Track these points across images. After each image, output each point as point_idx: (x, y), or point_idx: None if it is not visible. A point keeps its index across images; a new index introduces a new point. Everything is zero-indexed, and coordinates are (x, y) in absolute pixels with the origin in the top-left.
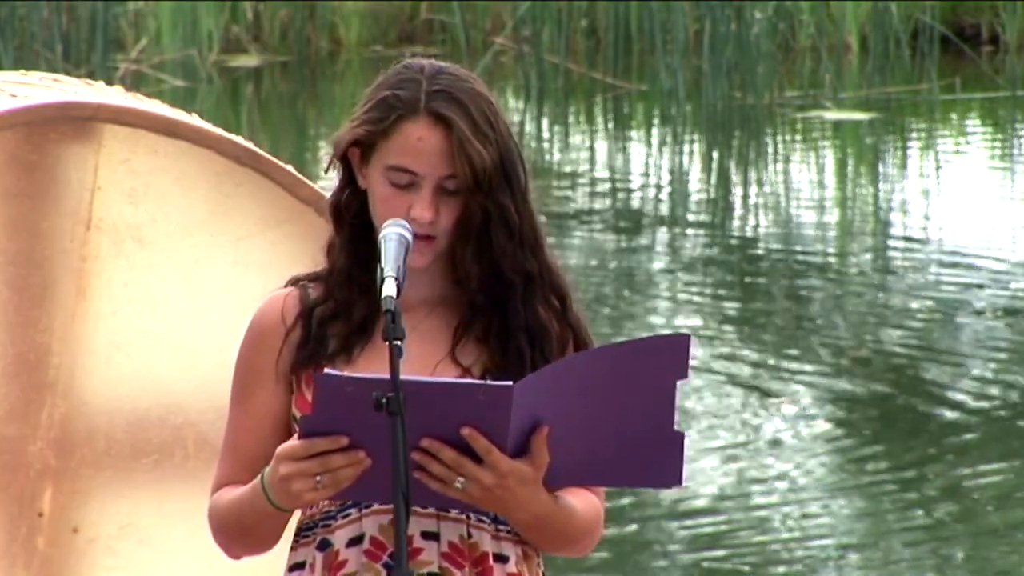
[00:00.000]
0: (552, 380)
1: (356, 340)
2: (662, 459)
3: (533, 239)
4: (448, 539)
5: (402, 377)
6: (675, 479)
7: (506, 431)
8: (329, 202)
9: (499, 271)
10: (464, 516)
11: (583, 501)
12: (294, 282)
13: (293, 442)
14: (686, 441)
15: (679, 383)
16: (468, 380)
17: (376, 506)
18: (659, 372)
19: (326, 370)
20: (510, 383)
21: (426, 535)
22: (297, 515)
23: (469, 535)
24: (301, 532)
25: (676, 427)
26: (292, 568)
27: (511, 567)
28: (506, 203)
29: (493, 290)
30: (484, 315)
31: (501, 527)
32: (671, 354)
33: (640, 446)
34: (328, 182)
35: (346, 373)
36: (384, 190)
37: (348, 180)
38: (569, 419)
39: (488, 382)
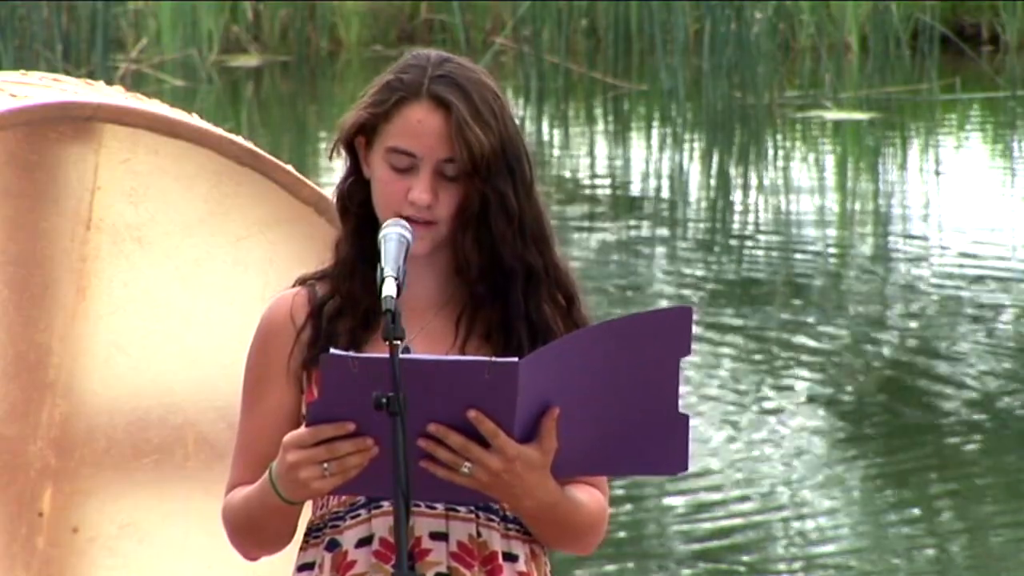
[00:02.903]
0: (556, 357)
1: (363, 337)
2: (667, 442)
3: (538, 233)
4: (457, 539)
5: (406, 356)
6: (680, 464)
7: (512, 413)
8: (335, 191)
9: (500, 260)
10: (473, 515)
11: (588, 495)
12: (301, 281)
13: (300, 430)
14: (690, 425)
15: (683, 360)
16: (473, 357)
17: (385, 507)
18: (662, 347)
19: (331, 350)
20: (515, 360)
21: (435, 535)
22: (307, 516)
23: (478, 534)
24: (311, 532)
25: (680, 409)
26: (301, 568)
27: (520, 566)
28: (506, 191)
29: (494, 280)
30: (486, 307)
31: (510, 526)
32: (673, 327)
33: (645, 429)
34: (329, 180)
35: (351, 353)
36: (384, 173)
37: (353, 169)
38: (574, 400)
39: (493, 359)
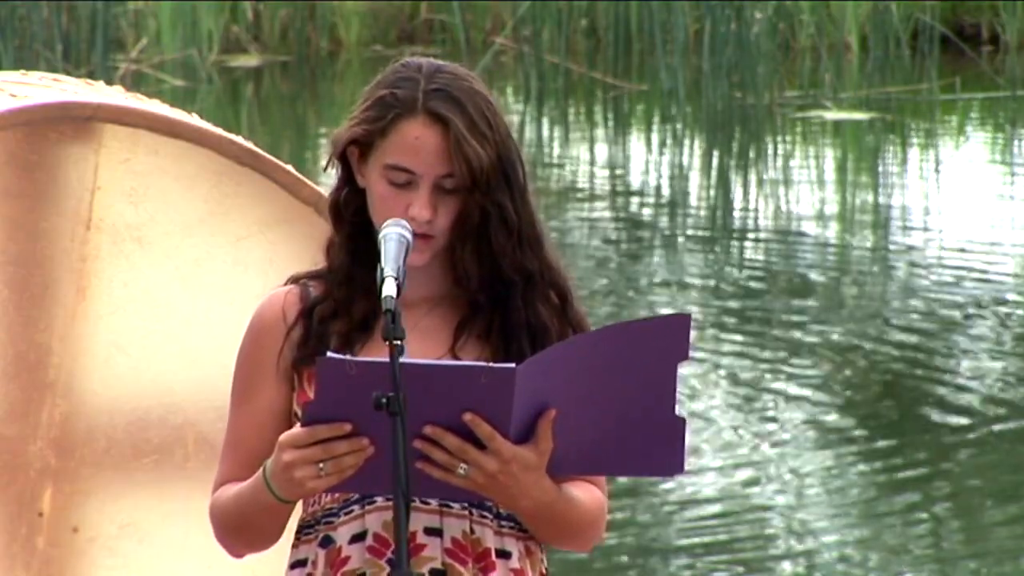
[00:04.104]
0: (554, 362)
1: (357, 338)
2: (664, 445)
3: (533, 237)
4: (451, 535)
5: (404, 360)
6: (677, 466)
7: (509, 416)
8: (328, 200)
9: (499, 270)
10: (467, 512)
11: (586, 493)
12: (294, 280)
13: (296, 429)
14: (687, 428)
15: (680, 364)
16: (471, 363)
17: (379, 502)
18: (660, 352)
19: (328, 354)
20: (513, 365)
21: (429, 531)
22: (298, 513)
23: (472, 531)
24: (303, 529)
25: (677, 412)
26: (294, 566)
27: (514, 563)
28: (504, 202)
29: (493, 289)
30: (485, 313)
31: (504, 523)
32: (672, 334)
33: (642, 431)
34: (329, 181)
35: (348, 356)
36: (382, 189)
37: (347, 178)
38: (571, 403)
39: (491, 364)
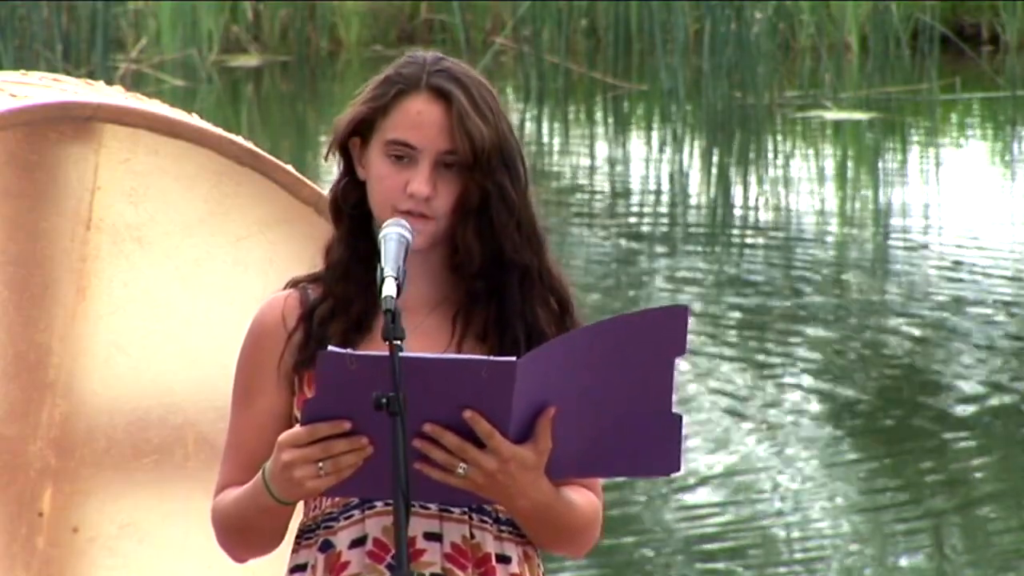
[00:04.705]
0: (553, 358)
1: (356, 339)
2: (660, 442)
3: (534, 235)
4: (451, 540)
5: (404, 354)
6: (674, 465)
7: (508, 413)
8: (328, 195)
9: (499, 255)
10: (466, 516)
11: (583, 497)
12: (293, 284)
13: (295, 429)
14: (683, 426)
15: (677, 360)
16: (471, 356)
17: (379, 507)
18: (657, 346)
19: (329, 348)
20: (513, 359)
21: (429, 536)
22: (299, 517)
23: (472, 535)
24: (303, 534)
25: (674, 409)
26: (293, 570)
27: (513, 567)
28: (505, 184)
29: (492, 275)
30: (481, 306)
31: (503, 527)
32: (668, 327)
33: (639, 428)
34: (329, 180)
35: (348, 350)
36: (383, 168)
37: (347, 171)
38: (569, 400)
39: (491, 358)
